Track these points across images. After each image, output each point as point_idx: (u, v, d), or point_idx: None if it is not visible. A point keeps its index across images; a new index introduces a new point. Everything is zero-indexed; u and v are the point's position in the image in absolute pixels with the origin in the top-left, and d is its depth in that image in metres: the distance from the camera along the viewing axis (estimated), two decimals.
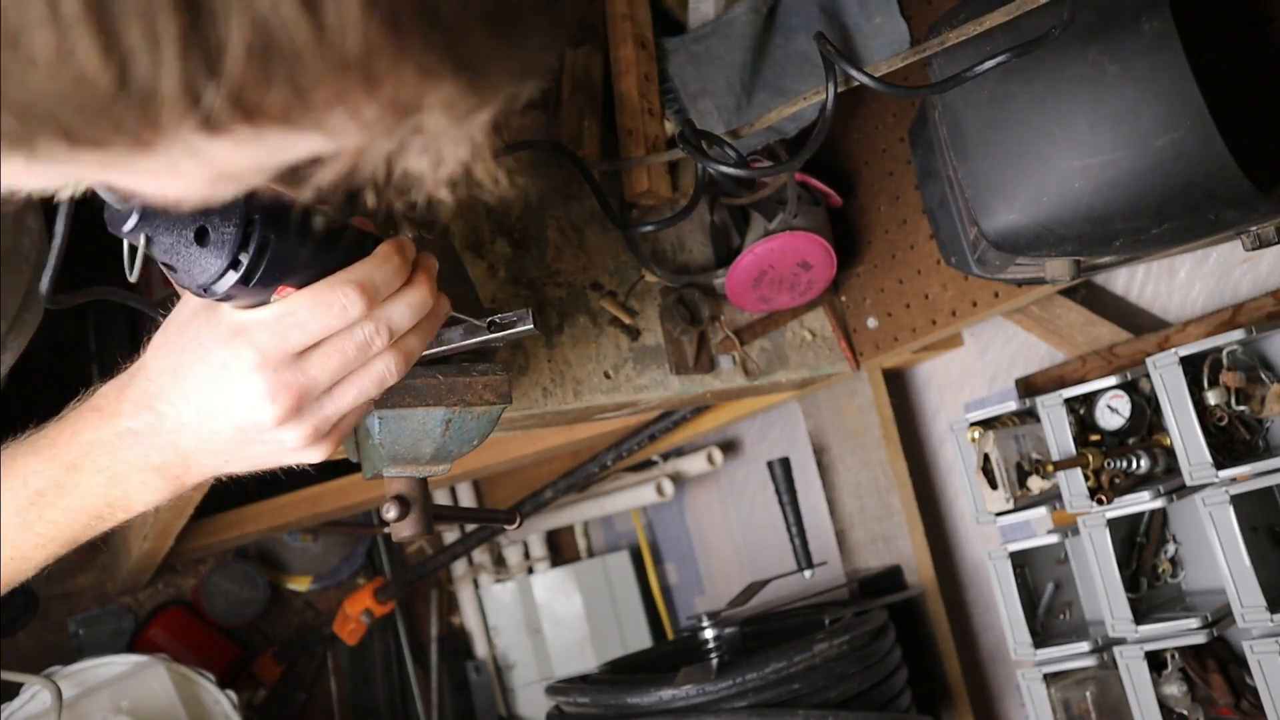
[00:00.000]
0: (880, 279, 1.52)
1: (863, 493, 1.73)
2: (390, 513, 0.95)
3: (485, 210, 1.34)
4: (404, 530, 0.97)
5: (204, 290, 0.74)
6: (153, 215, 0.71)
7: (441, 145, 0.42)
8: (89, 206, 0.69)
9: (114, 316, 2.01)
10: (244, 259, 0.73)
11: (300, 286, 0.77)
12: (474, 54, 0.39)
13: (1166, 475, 1.30)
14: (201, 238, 0.72)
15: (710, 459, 2.17)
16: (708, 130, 1.23)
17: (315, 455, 0.84)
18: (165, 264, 0.74)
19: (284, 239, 0.74)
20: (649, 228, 1.26)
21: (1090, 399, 1.35)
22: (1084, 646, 1.32)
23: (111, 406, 0.82)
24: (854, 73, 0.95)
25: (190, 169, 0.41)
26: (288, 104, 0.37)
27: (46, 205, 1.12)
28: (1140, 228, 1.01)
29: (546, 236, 1.36)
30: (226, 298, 0.75)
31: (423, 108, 0.40)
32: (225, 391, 0.78)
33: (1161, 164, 0.96)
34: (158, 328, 0.83)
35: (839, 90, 1.00)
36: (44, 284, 0.83)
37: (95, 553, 2.14)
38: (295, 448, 0.82)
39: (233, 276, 0.73)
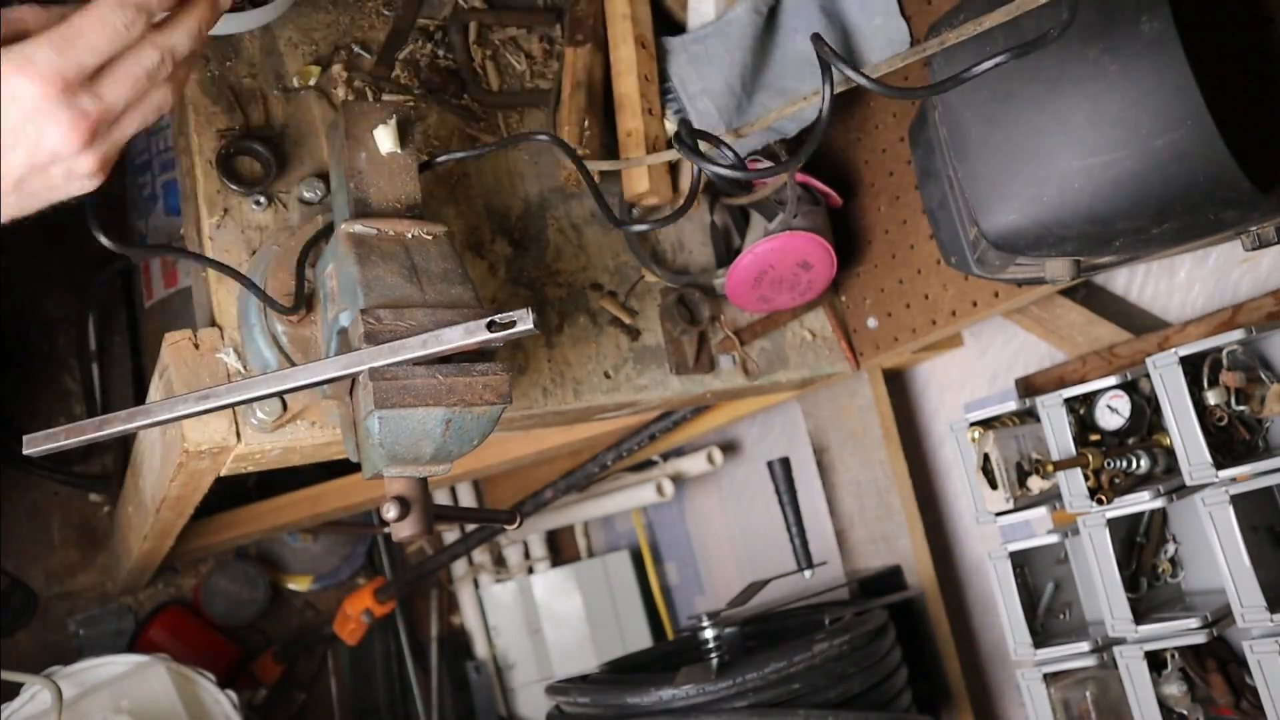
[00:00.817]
0: (880, 279, 1.52)
1: (863, 492, 1.73)
2: (390, 513, 0.95)
3: (485, 210, 1.34)
4: (404, 530, 0.97)
5: None
6: None
7: None
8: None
9: (114, 316, 2.01)
10: None
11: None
12: None
13: (1166, 475, 1.30)
14: None
15: (710, 459, 2.17)
16: (706, 130, 1.23)
17: (95, 182, 0.82)
18: None
19: None
20: (645, 226, 1.27)
21: (1090, 399, 1.35)
22: (1084, 646, 1.32)
23: None
24: (851, 74, 0.95)
25: None
26: None
27: None
28: (1140, 228, 1.01)
29: (546, 236, 1.36)
30: None
31: None
32: (16, 124, 0.75)
33: (1162, 164, 0.96)
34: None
35: (837, 92, 1.00)
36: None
37: (95, 552, 2.14)
38: (85, 174, 0.80)
39: None
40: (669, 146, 1.36)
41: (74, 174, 0.80)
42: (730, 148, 1.21)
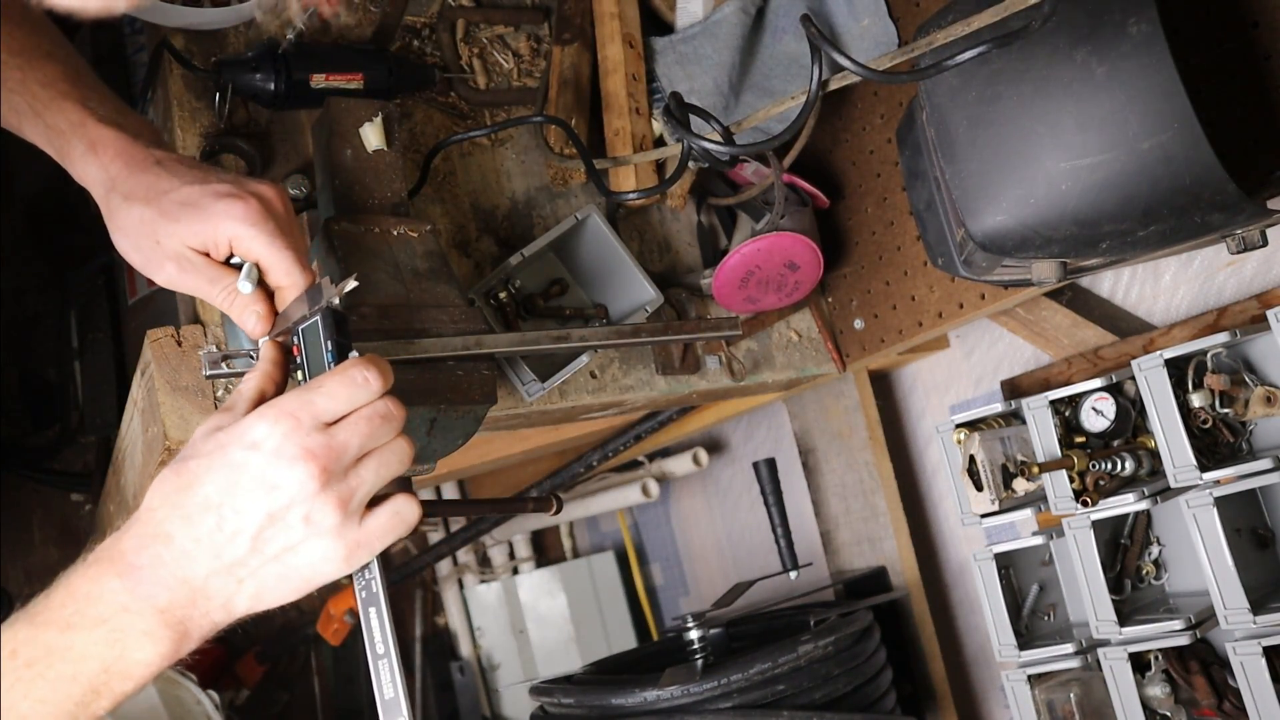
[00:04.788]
0: (867, 280, 1.52)
1: (848, 494, 1.73)
2: None
3: (472, 208, 1.34)
4: None
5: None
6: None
7: None
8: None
9: (95, 313, 1.99)
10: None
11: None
12: None
13: (1151, 477, 1.30)
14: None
15: (696, 460, 2.17)
16: (695, 128, 1.23)
17: (339, 549, 0.79)
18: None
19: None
20: (632, 196, 1.26)
21: (1075, 401, 1.36)
22: (1068, 648, 1.33)
23: (108, 554, 0.80)
24: (839, 57, 0.96)
25: None
26: None
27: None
28: (1127, 230, 1.01)
29: (533, 235, 1.36)
30: None
31: None
32: (255, 471, 0.77)
33: (1148, 166, 0.97)
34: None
35: (824, 79, 1.01)
36: None
37: (76, 551, 2.12)
38: (328, 527, 0.78)
39: None
40: (655, 145, 1.36)
41: (314, 523, 0.78)
42: (719, 122, 1.21)
